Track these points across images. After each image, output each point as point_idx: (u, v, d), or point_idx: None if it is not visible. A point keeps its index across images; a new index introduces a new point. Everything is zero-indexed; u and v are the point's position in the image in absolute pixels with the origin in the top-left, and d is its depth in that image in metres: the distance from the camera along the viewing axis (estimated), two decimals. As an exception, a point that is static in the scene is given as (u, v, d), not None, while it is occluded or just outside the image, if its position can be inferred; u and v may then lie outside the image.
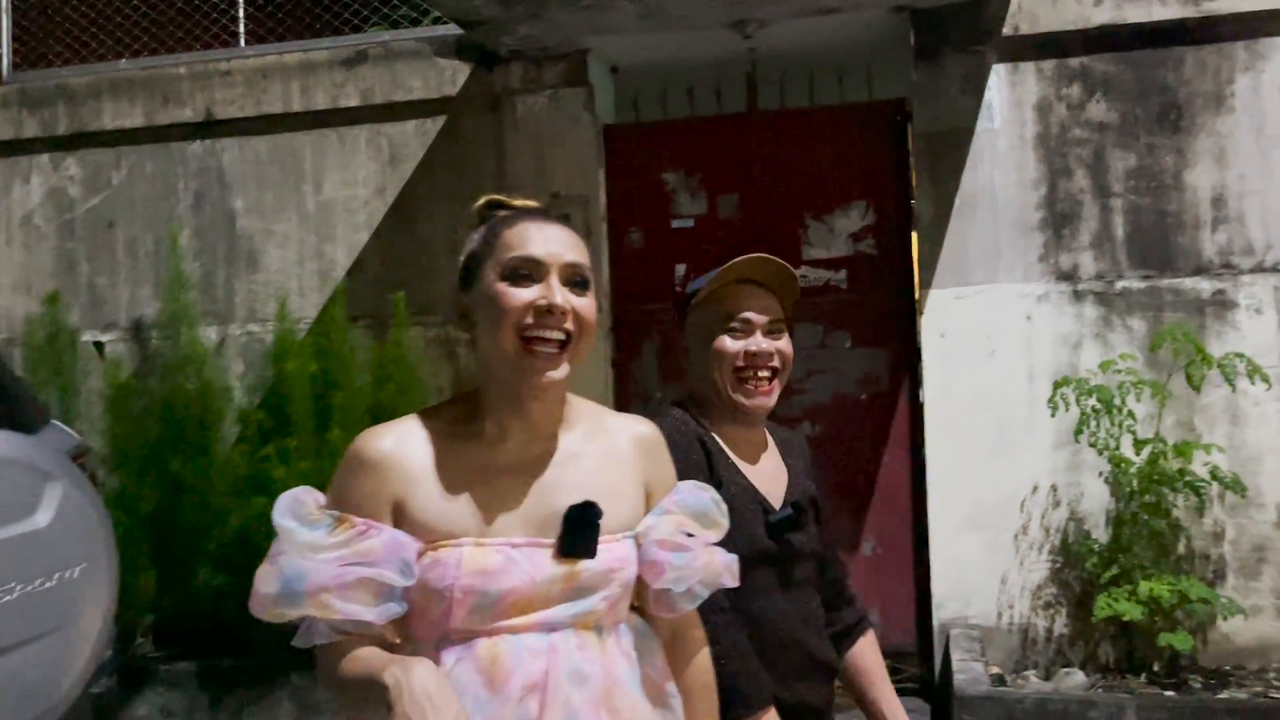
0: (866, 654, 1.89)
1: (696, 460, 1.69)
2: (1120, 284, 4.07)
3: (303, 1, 5.19)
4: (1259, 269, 3.97)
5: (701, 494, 1.44)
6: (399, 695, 1.12)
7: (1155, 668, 3.81)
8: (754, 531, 1.71)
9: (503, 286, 1.28)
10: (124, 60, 5.29)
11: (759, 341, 1.74)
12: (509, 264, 1.29)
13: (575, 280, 1.31)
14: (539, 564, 1.27)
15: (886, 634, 3.81)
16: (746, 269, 1.76)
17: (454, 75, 4.77)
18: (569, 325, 1.29)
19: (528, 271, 1.29)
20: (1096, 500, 4.00)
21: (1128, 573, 3.76)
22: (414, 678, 1.13)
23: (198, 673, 4.10)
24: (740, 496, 1.72)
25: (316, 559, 1.23)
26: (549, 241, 1.31)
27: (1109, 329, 4.07)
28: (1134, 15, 4.05)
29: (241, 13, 5.22)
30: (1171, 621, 3.74)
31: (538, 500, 1.31)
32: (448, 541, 1.26)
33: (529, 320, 1.27)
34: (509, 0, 3.97)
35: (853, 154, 4.40)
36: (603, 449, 1.39)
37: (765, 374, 1.75)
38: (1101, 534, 3.96)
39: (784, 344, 1.78)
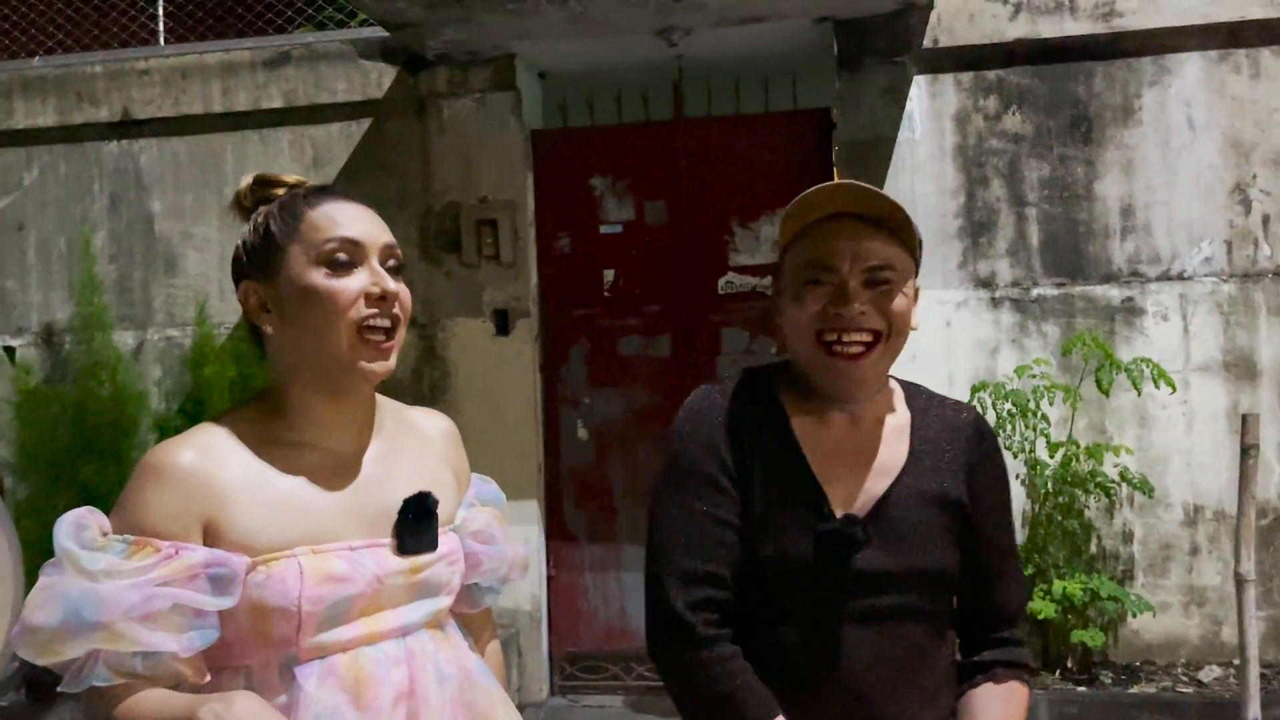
0: (980, 708, 1.40)
1: (702, 437, 1.39)
2: (1035, 291, 4.18)
3: (224, 1, 5.10)
4: (1165, 277, 4.11)
5: (490, 486, 1.41)
6: None
7: (1069, 664, 3.92)
8: (788, 535, 1.35)
9: (322, 277, 1.19)
10: (37, 58, 5.15)
11: (852, 297, 1.32)
12: (325, 250, 1.19)
13: (392, 265, 1.24)
14: (383, 563, 1.20)
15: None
16: (826, 198, 1.34)
17: (379, 78, 4.72)
18: (395, 311, 1.22)
19: (347, 256, 1.20)
20: (1014, 501, 4.09)
21: (1043, 572, 3.86)
22: (238, 712, 1.03)
23: (110, 686, 3.99)
24: (779, 489, 1.36)
25: (111, 584, 1.08)
26: (362, 221, 1.23)
27: (1025, 335, 4.18)
28: (1047, 30, 4.18)
29: (161, 11, 5.11)
30: (1084, 619, 3.85)
31: (365, 498, 1.23)
32: (279, 554, 1.15)
33: (362, 310, 1.19)
34: (435, 4, 3.95)
35: (778, 161, 4.46)
36: (415, 441, 1.33)
37: (860, 337, 1.34)
38: (1018, 534, 4.06)
39: (892, 301, 1.34)
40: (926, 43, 4.24)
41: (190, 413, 3.98)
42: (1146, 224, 4.12)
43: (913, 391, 1.49)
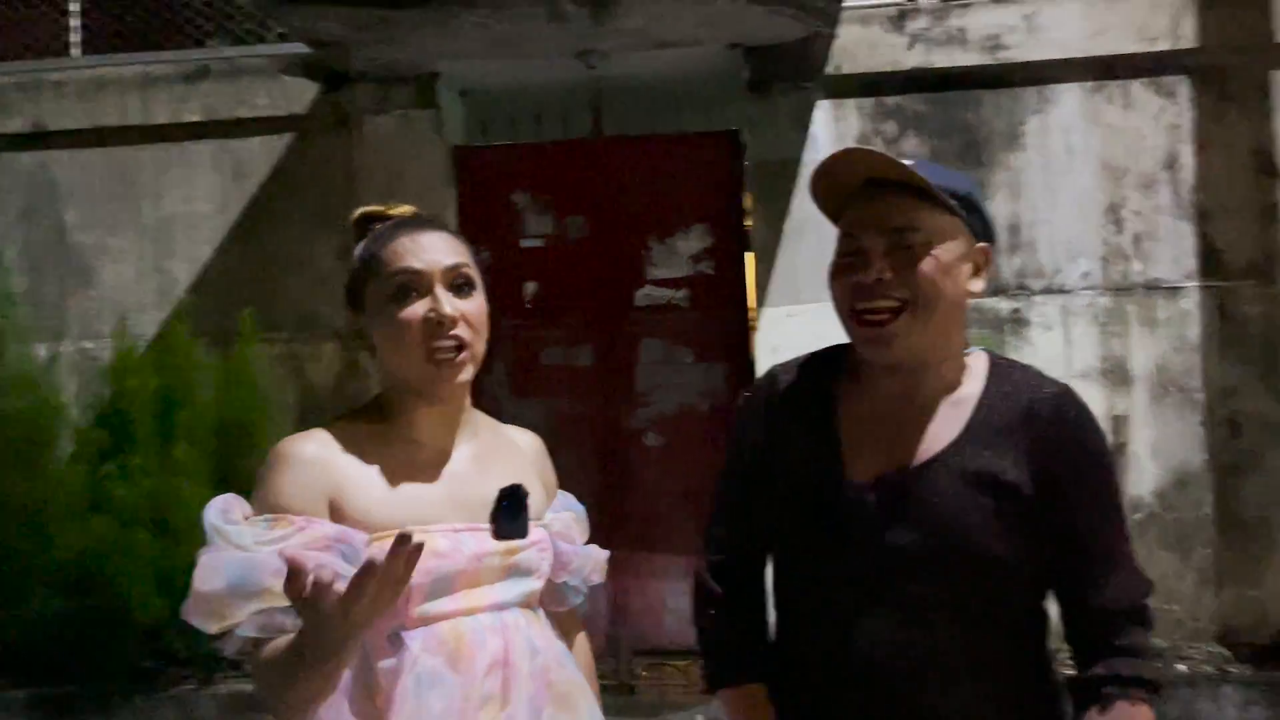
0: None
1: (745, 416, 1.47)
2: (932, 303, 4.47)
3: (142, 13, 5.09)
4: (1048, 290, 4.44)
5: (570, 499, 1.55)
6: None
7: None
8: (804, 502, 1.34)
9: (391, 310, 1.32)
10: (-56, 67, 5.06)
11: (871, 264, 1.31)
12: (393, 284, 1.33)
13: (458, 283, 1.35)
14: (481, 544, 1.33)
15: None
16: (842, 164, 1.33)
17: (302, 93, 4.79)
18: (460, 331, 1.32)
19: (412, 286, 1.32)
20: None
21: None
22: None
23: (30, 700, 3.95)
24: (805, 457, 1.36)
25: (262, 551, 1.21)
26: (426, 250, 1.34)
27: (923, 344, 4.46)
28: (940, 60, 4.48)
29: (75, 22, 5.07)
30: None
31: (463, 489, 1.36)
32: (391, 531, 1.20)
33: (424, 335, 1.31)
34: (359, 23, 4.05)
35: (692, 180, 4.67)
36: (507, 448, 1.47)
37: (884, 304, 1.30)
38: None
39: (922, 263, 1.29)
40: (830, 69, 4.50)
41: (114, 424, 3.99)
42: (1032, 241, 4.44)
43: (1000, 367, 1.39)
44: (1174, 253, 4.39)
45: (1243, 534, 4.30)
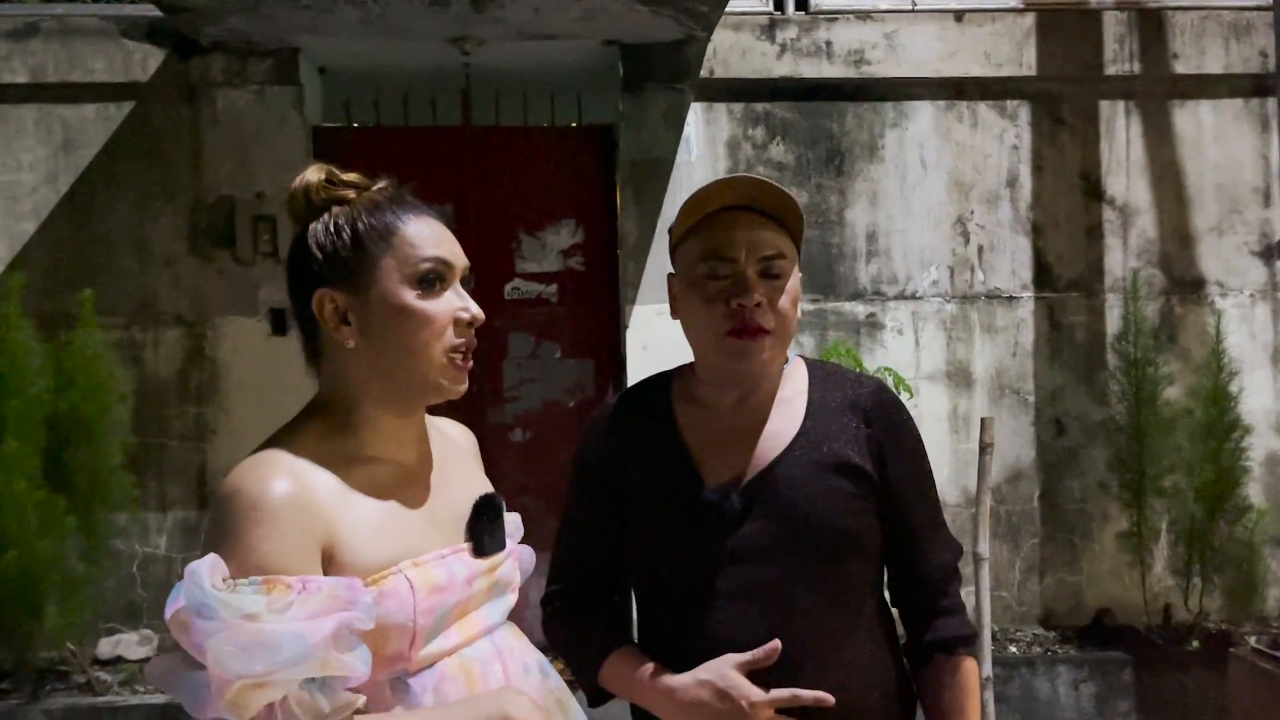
0: (938, 689, 1.44)
1: (585, 448, 1.52)
2: (794, 305, 4.63)
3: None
4: (901, 296, 4.69)
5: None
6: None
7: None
8: (664, 518, 1.41)
9: (414, 298, 1.19)
10: None
11: (752, 289, 1.37)
12: (420, 269, 1.19)
13: (466, 284, 1.26)
14: (469, 567, 1.24)
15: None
16: (720, 193, 1.39)
17: (144, 59, 4.45)
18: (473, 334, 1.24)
19: (438, 277, 1.20)
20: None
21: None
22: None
23: None
24: (657, 476, 1.43)
25: (282, 621, 1.03)
26: (450, 241, 1.24)
27: (784, 344, 4.61)
28: (807, 71, 4.63)
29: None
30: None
31: (437, 506, 1.26)
32: (385, 572, 1.14)
33: (451, 336, 1.21)
34: (223, -10, 3.80)
35: (563, 174, 4.65)
36: (453, 448, 1.36)
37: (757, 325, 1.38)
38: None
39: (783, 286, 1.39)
40: (704, 73, 4.58)
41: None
42: (887, 249, 4.67)
43: (816, 368, 1.50)
44: (1012, 265, 4.72)
45: (1064, 525, 4.69)
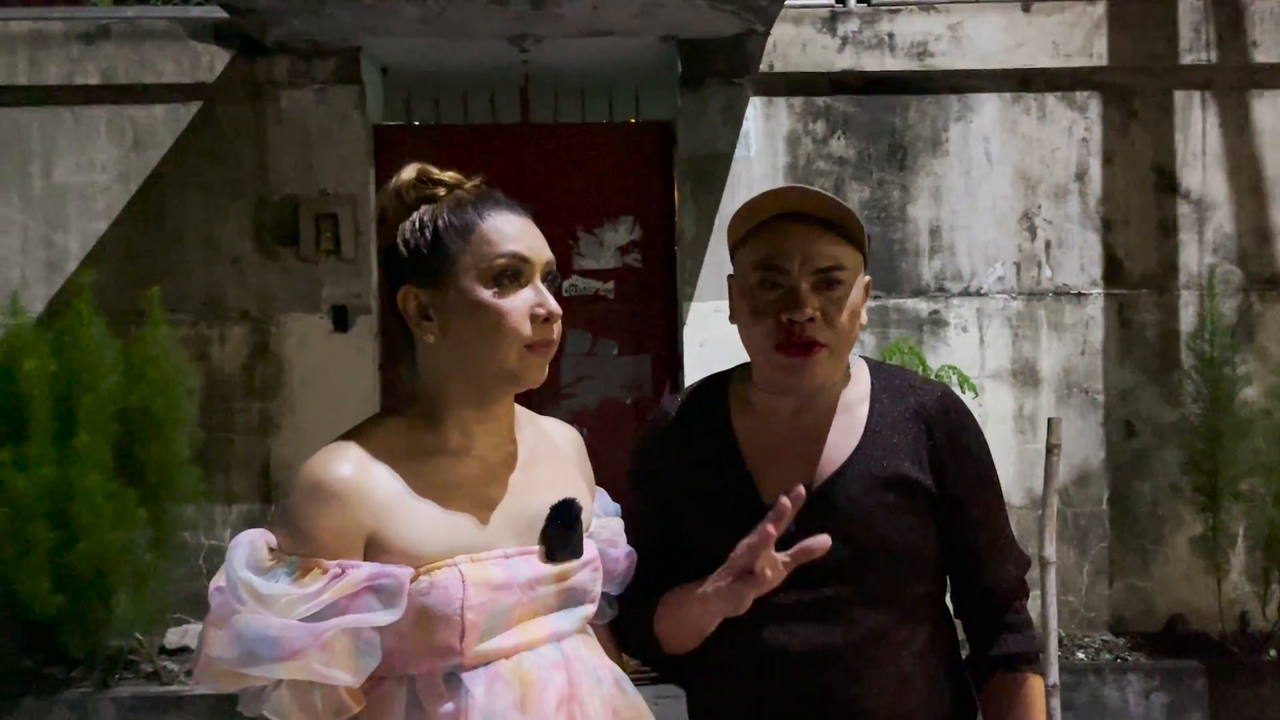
0: (1000, 708, 1.39)
1: (643, 451, 1.48)
2: (854, 302, 4.57)
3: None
4: (965, 293, 4.59)
5: (607, 497, 1.45)
6: None
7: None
8: (718, 530, 1.33)
9: (490, 294, 1.20)
10: None
11: (803, 302, 1.31)
12: (496, 265, 1.20)
13: (551, 277, 1.25)
14: (535, 570, 1.22)
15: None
16: (774, 200, 1.34)
17: (211, 61, 4.53)
18: (557, 329, 1.23)
19: (516, 273, 1.21)
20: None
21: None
22: None
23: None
24: (713, 486, 1.39)
25: (289, 614, 1.09)
26: (531, 237, 1.24)
27: (844, 342, 4.55)
28: (869, 64, 4.56)
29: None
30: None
31: (514, 505, 1.24)
32: (440, 563, 1.16)
33: (527, 330, 1.20)
34: (286, -9, 3.85)
35: (622, 171, 4.63)
36: (550, 449, 1.35)
37: (810, 339, 1.32)
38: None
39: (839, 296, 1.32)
40: (763, 67, 4.53)
41: (9, 409, 3.69)
42: (951, 245, 4.58)
43: (880, 373, 1.45)
44: (1081, 260, 4.60)
45: (1135, 528, 4.56)
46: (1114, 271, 4.61)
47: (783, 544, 1.26)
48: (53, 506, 3.63)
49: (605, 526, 1.39)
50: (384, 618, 1.11)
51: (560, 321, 1.24)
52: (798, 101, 4.58)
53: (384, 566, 1.12)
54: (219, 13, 4.30)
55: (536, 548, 1.24)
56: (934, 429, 1.37)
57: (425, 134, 4.68)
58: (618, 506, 1.47)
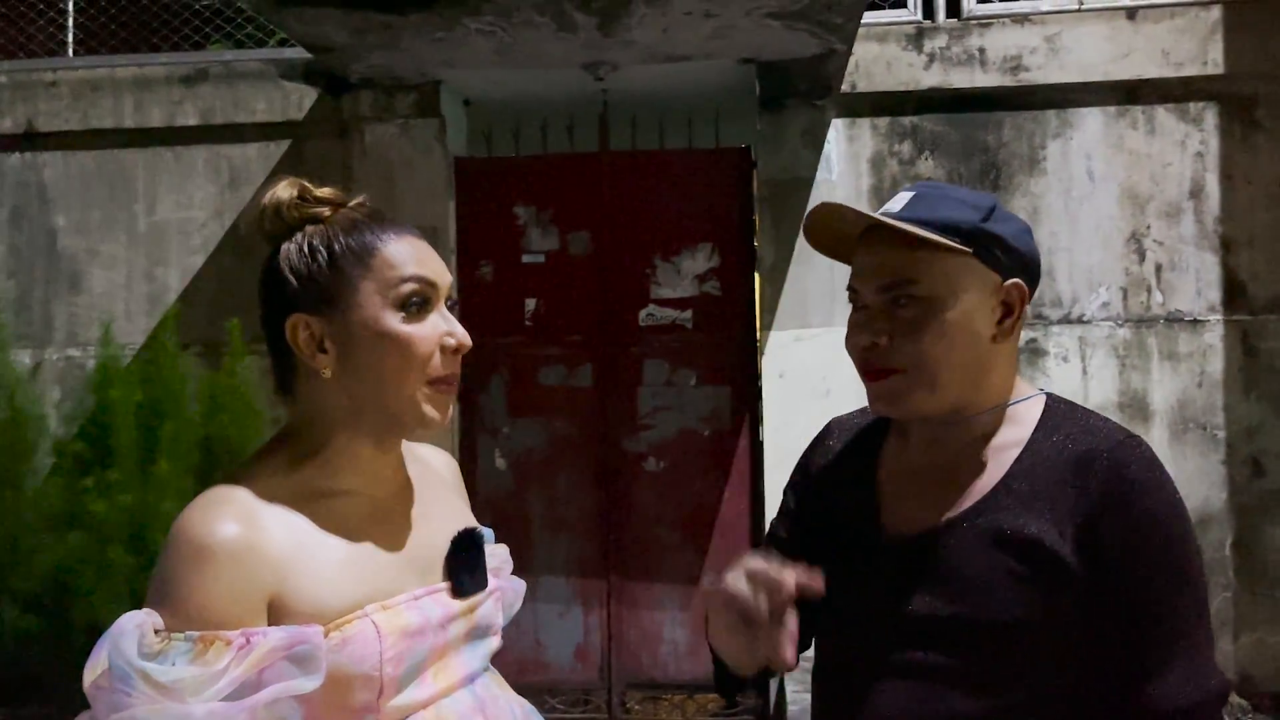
0: None
1: (804, 459, 1.39)
2: (945, 330, 4.32)
3: (139, 14, 4.98)
4: (1065, 320, 4.29)
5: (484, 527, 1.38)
6: None
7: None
8: (834, 558, 1.19)
9: (398, 322, 1.10)
10: (-65, 63, 4.94)
11: (867, 325, 1.18)
12: (403, 292, 1.11)
13: (449, 303, 1.16)
14: (445, 608, 1.14)
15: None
16: (824, 217, 1.22)
17: (300, 99, 4.67)
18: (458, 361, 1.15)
19: (422, 299, 1.12)
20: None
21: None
22: None
23: (-1, 723, 3.80)
24: (844, 508, 1.26)
25: (199, 696, 0.95)
26: (433, 259, 1.15)
27: (935, 372, 4.31)
28: (959, 81, 4.34)
29: (71, 22, 4.96)
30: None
31: (414, 543, 1.16)
32: (350, 616, 1.06)
33: (437, 363, 1.11)
34: (361, 28, 3.92)
35: (700, 197, 4.53)
36: (434, 479, 1.27)
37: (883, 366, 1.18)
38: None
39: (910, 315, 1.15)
40: (845, 87, 4.37)
41: (93, 436, 3.84)
42: (1050, 269, 4.30)
43: (1055, 412, 1.21)
44: (1197, 284, 4.25)
45: (1263, 577, 4.14)
46: (1236, 296, 4.24)
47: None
48: (132, 531, 3.74)
49: (493, 555, 1.30)
50: (307, 684, 0.99)
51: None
52: (882, 122, 4.40)
53: (296, 629, 1.01)
54: (306, 53, 4.43)
55: (443, 584, 1.16)
56: (1093, 487, 1.11)
57: (504, 164, 4.69)
58: (491, 531, 1.36)
